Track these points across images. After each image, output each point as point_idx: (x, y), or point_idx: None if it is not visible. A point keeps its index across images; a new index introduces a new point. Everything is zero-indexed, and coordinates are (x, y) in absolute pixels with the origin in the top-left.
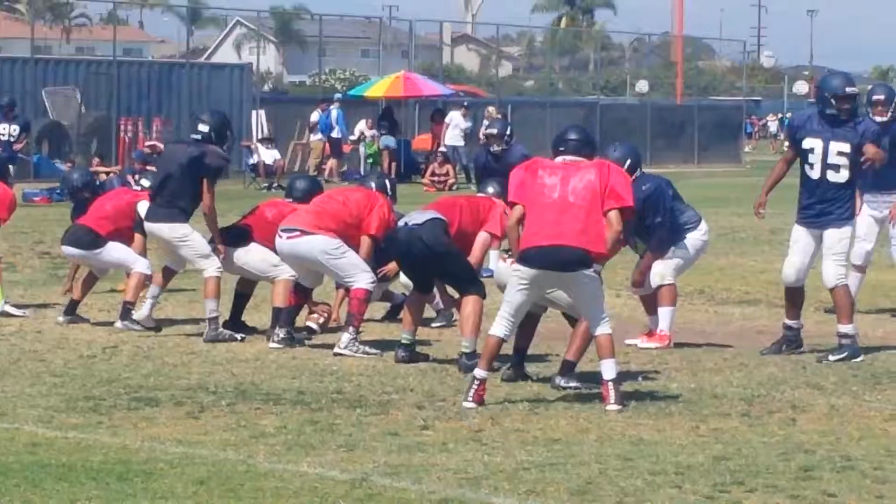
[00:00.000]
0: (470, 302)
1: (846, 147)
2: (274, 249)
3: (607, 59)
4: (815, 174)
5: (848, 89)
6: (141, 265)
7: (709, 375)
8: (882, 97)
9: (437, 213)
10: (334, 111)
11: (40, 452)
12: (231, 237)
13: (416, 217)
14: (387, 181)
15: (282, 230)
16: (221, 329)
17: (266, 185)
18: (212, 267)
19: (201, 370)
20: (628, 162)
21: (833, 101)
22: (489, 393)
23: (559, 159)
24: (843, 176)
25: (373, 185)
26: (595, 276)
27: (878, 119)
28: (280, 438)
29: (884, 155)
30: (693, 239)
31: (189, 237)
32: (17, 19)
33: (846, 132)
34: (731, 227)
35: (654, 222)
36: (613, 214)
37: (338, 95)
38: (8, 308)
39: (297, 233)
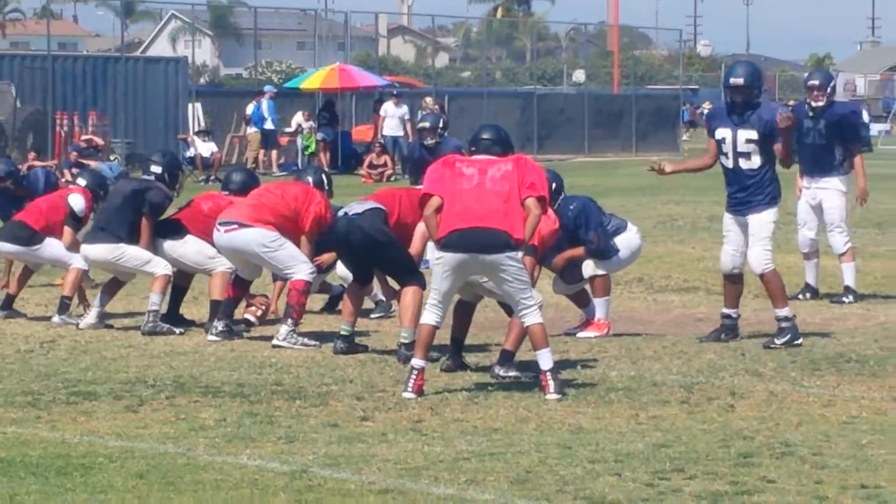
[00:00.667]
0: (409, 292)
1: (753, 134)
2: (210, 242)
3: (544, 49)
4: (729, 163)
5: (731, 80)
6: (78, 261)
7: (648, 363)
8: (817, 82)
9: (377, 203)
10: (265, 102)
11: None
12: (165, 230)
13: (355, 207)
14: (324, 175)
15: (219, 223)
16: (160, 322)
17: (203, 177)
18: (159, 266)
19: (140, 363)
20: (553, 186)
21: (727, 91)
22: (428, 383)
23: (474, 158)
24: (755, 162)
25: (310, 179)
26: (520, 261)
27: (815, 104)
28: (219, 431)
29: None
30: (625, 239)
31: (123, 250)
32: None
33: (751, 120)
34: (669, 214)
35: (587, 238)
36: (531, 201)
37: (269, 87)
38: None
39: (235, 226)
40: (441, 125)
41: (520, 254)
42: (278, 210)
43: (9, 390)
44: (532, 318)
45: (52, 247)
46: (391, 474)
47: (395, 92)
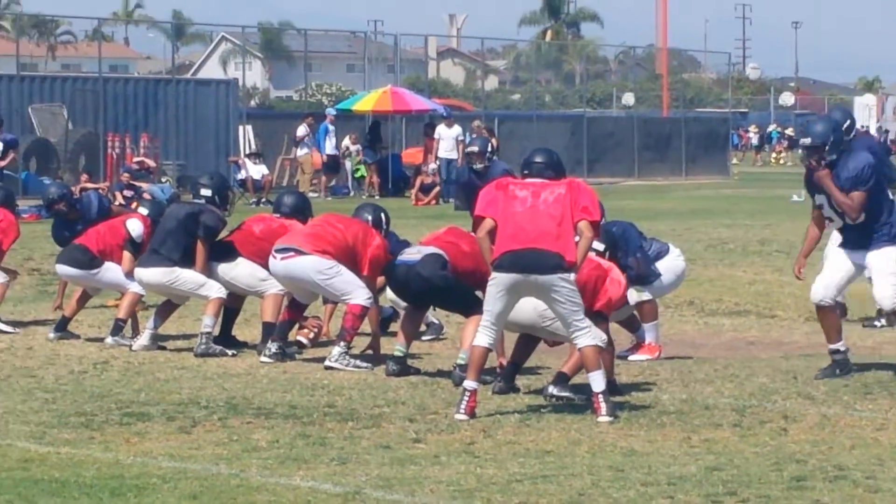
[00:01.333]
0: (474, 320)
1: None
2: (262, 264)
3: (593, 72)
4: (838, 223)
5: (801, 141)
6: (135, 285)
7: (700, 386)
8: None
9: (435, 248)
10: (329, 126)
11: (33, 468)
12: (217, 252)
13: (413, 253)
14: (382, 214)
15: (276, 251)
16: (213, 344)
17: (254, 200)
18: (212, 289)
19: (192, 385)
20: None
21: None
22: (481, 406)
23: (527, 181)
24: (861, 217)
25: (369, 218)
26: (572, 283)
27: None
28: (272, 452)
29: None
30: (668, 263)
31: (178, 274)
32: (1, 37)
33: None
34: (720, 238)
35: (627, 263)
36: (584, 224)
37: (330, 110)
38: None
39: (292, 253)
40: (489, 149)
41: (572, 276)
42: (336, 242)
43: (62, 411)
44: (584, 339)
45: (111, 271)
46: (444, 496)
47: (445, 115)
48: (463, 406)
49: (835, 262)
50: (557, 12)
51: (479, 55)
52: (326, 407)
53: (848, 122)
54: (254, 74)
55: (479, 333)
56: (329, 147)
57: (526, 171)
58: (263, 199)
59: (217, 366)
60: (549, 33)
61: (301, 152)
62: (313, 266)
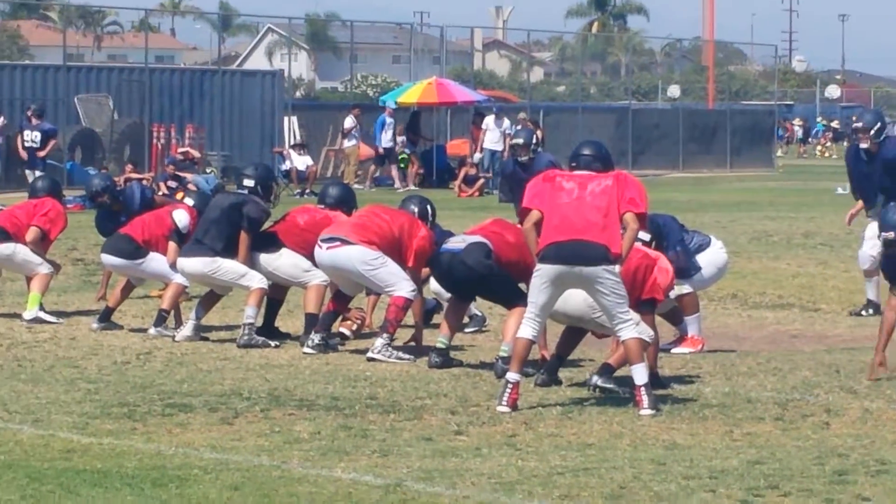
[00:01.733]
0: (516, 312)
1: None
2: (306, 255)
3: (639, 64)
4: None
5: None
6: (179, 277)
7: (742, 380)
8: (860, 124)
9: (480, 237)
10: (384, 118)
11: (75, 458)
12: (260, 243)
13: (457, 241)
14: (429, 206)
15: (321, 240)
16: (255, 335)
17: (298, 191)
18: (254, 280)
19: (235, 376)
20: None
21: None
22: (523, 398)
23: (575, 173)
24: None
25: (415, 210)
26: (617, 275)
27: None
28: (314, 444)
29: None
30: (710, 255)
31: (219, 264)
32: (49, 27)
33: None
34: (764, 230)
35: (667, 256)
36: (629, 216)
37: (390, 103)
38: (42, 315)
39: (337, 243)
40: (534, 141)
41: (617, 268)
42: (383, 233)
43: (105, 402)
44: (628, 332)
45: (156, 261)
46: (485, 489)
47: (495, 109)
48: (505, 398)
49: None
50: (604, 4)
51: (524, 47)
52: (368, 399)
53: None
54: (299, 65)
55: (523, 325)
56: (385, 139)
57: (574, 164)
58: (308, 191)
59: (259, 357)
60: (595, 25)
61: (348, 144)
62: (359, 256)
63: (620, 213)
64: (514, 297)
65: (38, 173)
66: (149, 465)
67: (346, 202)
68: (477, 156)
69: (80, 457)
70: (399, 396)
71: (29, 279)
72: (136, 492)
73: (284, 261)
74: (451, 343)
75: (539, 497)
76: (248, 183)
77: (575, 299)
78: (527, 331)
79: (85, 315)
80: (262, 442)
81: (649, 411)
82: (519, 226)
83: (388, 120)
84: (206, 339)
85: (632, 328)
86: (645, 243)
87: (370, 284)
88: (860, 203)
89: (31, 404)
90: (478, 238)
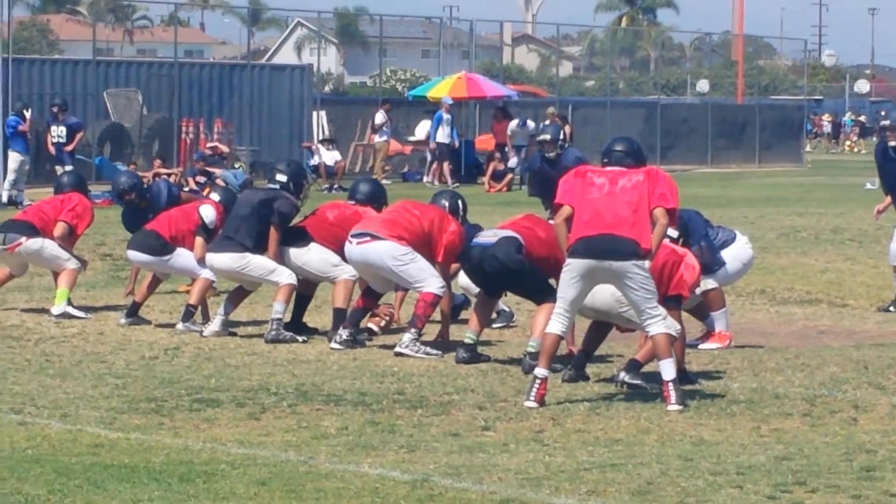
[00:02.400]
0: (545, 308)
1: None
2: (335, 250)
3: (668, 58)
4: None
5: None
6: (207, 272)
7: (770, 375)
8: (888, 122)
9: (511, 231)
10: (440, 115)
11: (102, 453)
12: (290, 237)
13: (488, 235)
14: (460, 201)
15: (352, 236)
16: (283, 330)
17: (327, 186)
18: (283, 276)
19: (262, 371)
20: None
21: None
22: (550, 393)
23: (606, 169)
24: None
25: (446, 204)
26: (646, 270)
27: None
28: (341, 439)
29: None
30: (734, 251)
31: (248, 259)
32: (78, 21)
33: None
34: (793, 226)
35: (692, 251)
36: (659, 211)
37: (446, 99)
38: (70, 310)
39: (367, 238)
40: (562, 137)
41: (647, 263)
42: (413, 229)
43: (133, 397)
44: (656, 327)
45: (182, 257)
46: (512, 484)
47: (519, 122)
48: (533, 394)
49: None
50: None
51: (553, 41)
52: (396, 394)
53: None
54: (328, 60)
55: (552, 321)
56: (442, 135)
57: (606, 160)
58: (336, 186)
59: (287, 352)
60: (624, 19)
61: (379, 139)
62: (389, 251)
63: (650, 209)
64: (544, 293)
65: (67, 168)
66: (176, 461)
67: (377, 198)
68: (513, 161)
69: (108, 452)
70: (426, 392)
71: (56, 275)
72: (164, 487)
73: (314, 255)
74: (479, 339)
75: (566, 493)
76: (281, 178)
77: (602, 293)
78: (556, 326)
79: (113, 310)
80: (290, 437)
81: (677, 407)
82: (550, 221)
83: (445, 116)
84: (234, 334)
85: (660, 323)
86: (672, 240)
87: (399, 280)
88: (888, 199)
89: (58, 399)
90: (509, 233)
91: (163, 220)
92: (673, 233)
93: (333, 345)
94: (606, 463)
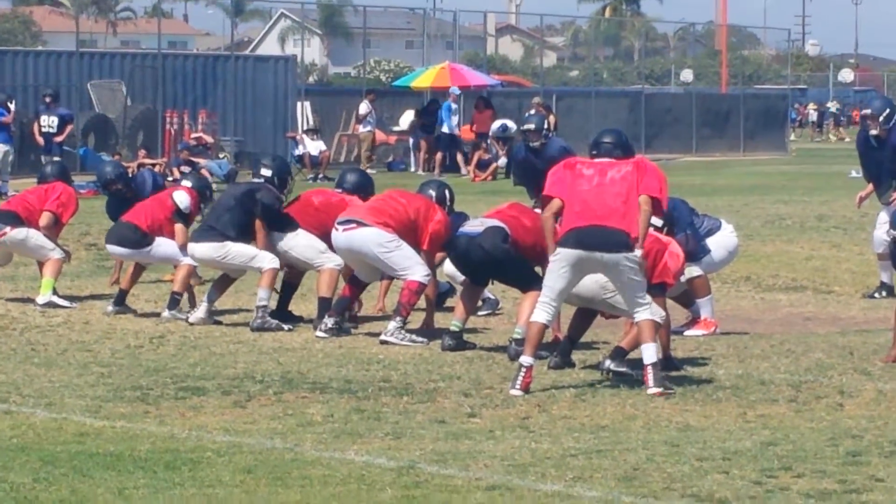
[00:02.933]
0: (531, 296)
1: None
2: (319, 237)
3: (652, 48)
4: None
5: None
6: (189, 258)
7: (756, 362)
8: (868, 111)
9: (497, 221)
10: (448, 105)
11: (88, 442)
12: (276, 222)
13: (475, 225)
14: (447, 191)
15: (338, 223)
16: (269, 318)
17: (311, 176)
18: (265, 261)
19: (248, 359)
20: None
21: None
22: (536, 381)
23: (595, 160)
24: None
25: (433, 194)
26: (636, 261)
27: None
28: (327, 427)
29: None
30: (720, 238)
31: (228, 248)
32: (62, 13)
33: None
34: (778, 214)
35: (678, 239)
36: (643, 198)
37: (454, 89)
38: (55, 299)
39: (353, 225)
40: (546, 127)
41: (638, 253)
42: (399, 216)
43: (118, 385)
44: (643, 314)
45: (162, 246)
46: (498, 471)
47: (500, 127)
48: (518, 381)
49: None
50: None
51: (537, 32)
52: (381, 381)
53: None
54: (312, 51)
55: (538, 309)
56: (452, 125)
57: (594, 152)
58: (321, 175)
59: (273, 340)
60: (608, 10)
61: (363, 129)
62: (374, 238)
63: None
64: (529, 281)
65: (54, 158)
66: (162, 448)
67: (364, 188)
68: (503, 161)
69: (93, 440)
70: (412, 379)
71: (41, 265)
72: (149, 475)
73: (301, 241)
74: (464, 326)
75: (552, 479)
76: (266, 173)
77: (586, 281)
78: (541, 315)
79: (98, 299)
80: (275, 425)
81: (655, 389)
82: (536, 210)
83: (454, 106)
84: (220, 322)
85: (647, 311)
86: (657, 228)
87: (384, 267)
88: (870, 186)
89: (44, 388)
90: (495, 222)
91: (139, 210)
92: (657, 221)
93: (319, 333)
94: (592, 449)
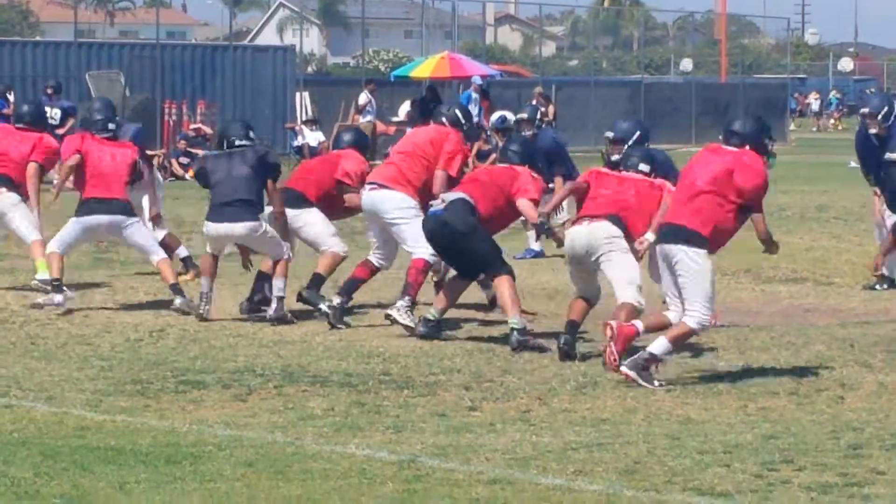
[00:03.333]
0: (503, 282)
1: None
2: (323, 198)
3: (651, 37)
4: None
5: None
6: (159, 253)
7: (756, 354)
8: (867, 110)
9: (461, 193)
10: (469, 94)
11: (88, 436)
12: (290, 199)
13: (438, 203)
14: (458, 111)
15: (366, 183)
16: (286, 310)
17: None
18: (284, 249)
19: (248, 353)
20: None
21: None
22: (536, 374)
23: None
24: None
25: (444, 120)
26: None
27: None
28: (328, 420)
29: None
30: None
31: (265, 228)
32: (60, 3)
33: None
34: (777, 204)
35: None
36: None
37: (476, 79)
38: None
39: (376, 186)
40: (538, 117)
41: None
42: (417, 170)
43: (118, 379)
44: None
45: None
46: (499, 464)
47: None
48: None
49: None
50: None
51: (536, 21)
52: (382, 375)
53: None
54: (311, 41)
55: (669, 313)
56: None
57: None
58: None
59: (273, 333)
60: None
61: (363, 120)
62: (397, 202)
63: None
64: (495, 265)
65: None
66: (162, 443)
67: (359, 144)
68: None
69: (94, 434)
70: (412, 372)
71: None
72: (150, 469)
73: (317, 218)
74: (441, 317)
75: (553, 472)
76: (252, 134)
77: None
78: (672, 316)
79: (98, 290)
80: (276, 418)
81: (625, 368)
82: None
83: (474, 95)
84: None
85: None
86: (645, 174)
87: (395, 234)
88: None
89: (44, 382)
90: (459, 194)
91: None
92: (644, 167)
93: (317, 303)
94: (593, 442)
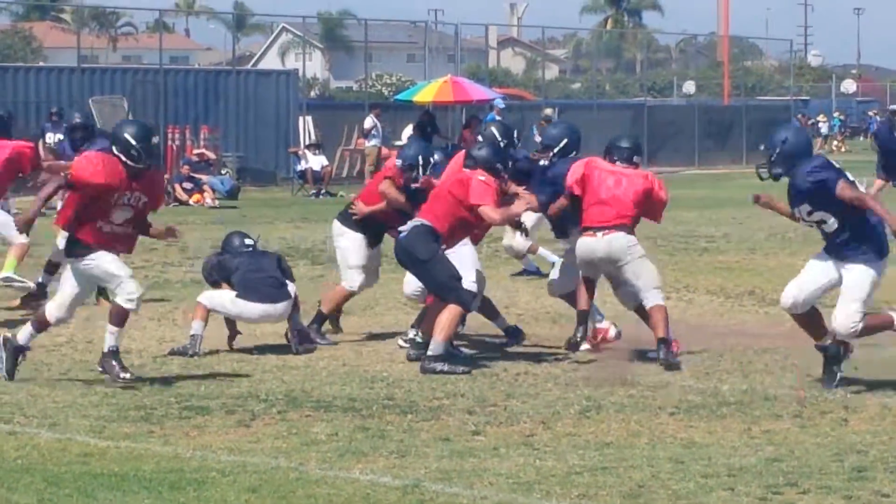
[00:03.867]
0: (452, 310)
1: None
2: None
3: (654, 60)
4: None
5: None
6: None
7: (760, 377)
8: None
9: (421, 218)
10: (492, 117)
11: (92, 462)
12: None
13: (405, 227)
14: (485, 150)
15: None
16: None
17: (314, 191)
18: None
19: (252, 378)
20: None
21: None
22: (540, 397)
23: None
24: None
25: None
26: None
27: None
28: (331, 445)
29: None
30: None
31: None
32: (63, 29)
33: None
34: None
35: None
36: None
37: (498, 101)
38: (15, 277)
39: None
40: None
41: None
42: (440, 210)
43: (122, 405)
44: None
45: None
46: (503, 489)
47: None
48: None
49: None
50: (619, 1)
51: (539, 44)
52: (386, 399)
53: None
54: (314, 65)
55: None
56: None
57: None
58: (323, 191)
59: (276, 359)
60: (609, 22)
61: (369, 144)
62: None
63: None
64: (453, 291)
65: None
66: (166, 469)
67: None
68: None
69: (98, 460)
70: (416, 397)
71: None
72: (154, 495)
73: (351, 244)
74: (428, 340)
75: (557, 497)
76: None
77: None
78: None
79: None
80: (280, 444)
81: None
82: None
83: (497, 118)
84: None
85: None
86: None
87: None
88: (878, 182)
89: (47, 408)
90: (420, 221)
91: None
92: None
93: (401, 342)
94: (597, 466)
